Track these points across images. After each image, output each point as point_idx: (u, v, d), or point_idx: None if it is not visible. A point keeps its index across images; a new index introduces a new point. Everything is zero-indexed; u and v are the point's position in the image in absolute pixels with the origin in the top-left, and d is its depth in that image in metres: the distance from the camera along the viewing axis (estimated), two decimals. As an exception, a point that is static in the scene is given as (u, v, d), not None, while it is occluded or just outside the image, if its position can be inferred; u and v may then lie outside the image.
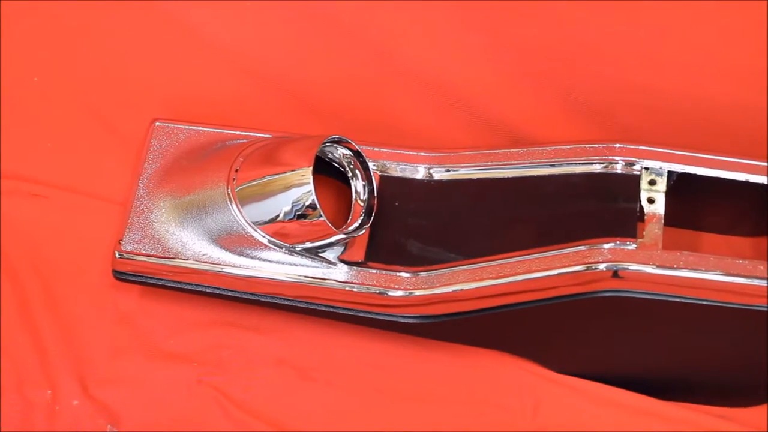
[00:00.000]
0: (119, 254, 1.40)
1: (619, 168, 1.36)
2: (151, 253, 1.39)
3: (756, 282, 1.28)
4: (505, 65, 1.49)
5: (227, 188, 1.36)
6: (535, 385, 1.42)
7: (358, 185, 1.40)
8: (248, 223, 1.36)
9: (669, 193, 1.36)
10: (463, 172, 1.41)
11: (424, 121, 1.53)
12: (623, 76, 1.48)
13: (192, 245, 1.38)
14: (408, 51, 1.49)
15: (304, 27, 1.49)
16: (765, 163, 1.36)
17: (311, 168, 1.33)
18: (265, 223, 1.35)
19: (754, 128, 1.48)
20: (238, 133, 1.46)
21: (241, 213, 1.35)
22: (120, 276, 1.42)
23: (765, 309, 1.30)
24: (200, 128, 1.48)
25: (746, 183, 1.36)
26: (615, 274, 1.30)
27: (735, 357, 1.39)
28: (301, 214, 1.33)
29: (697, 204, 1.43)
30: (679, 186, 1.37)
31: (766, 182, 1.36)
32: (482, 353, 1.44)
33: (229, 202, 1.36)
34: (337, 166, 1.41)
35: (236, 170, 1.37)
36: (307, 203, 1.33)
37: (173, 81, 1.56)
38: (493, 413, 1.41)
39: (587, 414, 1.41)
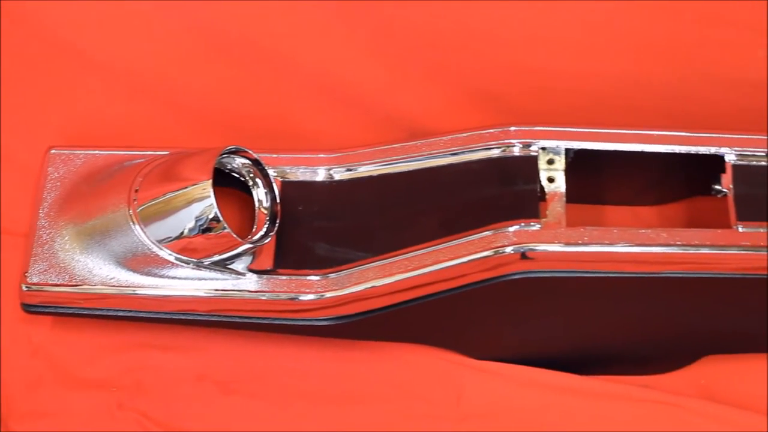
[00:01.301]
0: (26, 287, 1.38)
1: (516, 151, 1.37)
2: (59, 283, 1.37)
3: (660, 249, 1.29)
4: (397, 59, 1.49)
5: (129, 210, 1.35)
6: (457, 374, 1.43)
7: (259, 193, 1.40)
8: (153, 243, 1.34)
9: (568, 171, 1.37)
10: (364, 170, 1.41)
11: (323, 123, 1.53)
12: (515, 60, 1.49)
13: (99, 270, 1.37)
14: (298, 54, 1.49)
15: (190, 40, 1.49)
16: (660, 132, 1.37)
17: (211, 181, 1.32)
18: (171, 240, 1.34)
19: (648, 100, 1.50)
20: (135, 153, 1.45)
21: (145, 233, 1.34)
22: (29, 309, 1.40)
23: (672, 275, 1.31)
24: (97, 152, 1.46)
25: (645, 153, 1.37)
26: (522, 255, 1.31)
27: (649, 325, 1.40)
28: (206, 228, 1.33)
29: (598, 178, 1.44)
30: (578, 163, 1.38)
31: (664, 151, 1.37)
32: (401, 348, 1.44)
33: (131, 223, 1.35)
34: (237, 176, 1.41)
35: (136, 190, 1.36)
36: (210, 216, 1.32)
37: (67, 107, 1.54)
38: (417, 406, 1.41)
39: (510, 397, 1.42)
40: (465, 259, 1.31)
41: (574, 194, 1.38)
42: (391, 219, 1.38)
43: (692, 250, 1.30)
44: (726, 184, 1.34)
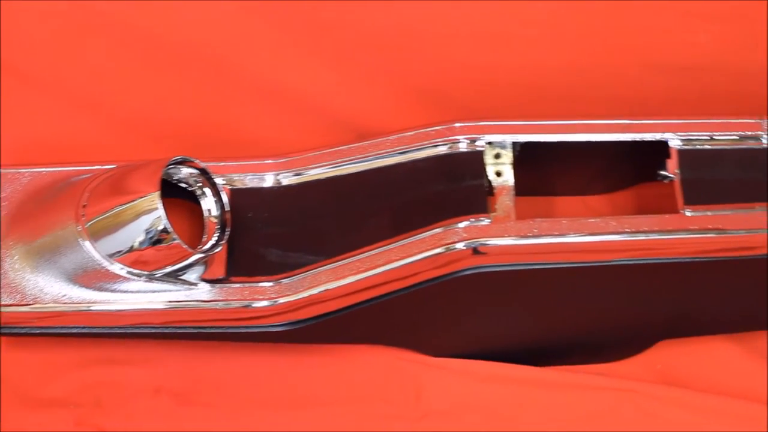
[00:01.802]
0: (-23, 309, 1.37)
1: (463, 147, 1.38)
2: (10, 303, 1.36)
3: (609, 238, 1.30)
4: (341, 61, 1.50)
5: (77, 226, 1.34)
6: (415, 372, 1.43)
7: (208, 203, 1.39)
8: (104, 257, 1.34)
9: (516, 164, 1.37)
10: (312, 173, 1.41)
11: (269, 129, 1.53)
12: (459, 56, 1.49)
13: (50, 288, 1.36)
14: (240, 60, 1.49)
15: (130, 52, 1.48)
16: (605, 121, 1.38)
17: (158, 192, 1.31)
18: (121, 254, 1.33)
19: (591, 89, 1.51)
20: (81, 168, 1.44)
21: (94, 248, 1.33)
22: (-19, 331, 1.39)
23: (623, 263, 1.32)
24: (43, 169, 1.45)
25: (591, 143, 1.38)
26: (474, 251, 1.31)
27: (603, 313, 1.41)
28: (156, 240, 1.32)
29: (546, 170, 1.45)
30: (525, 155, 1.38)
31: (610, 140, 1.37)
32: (358, 349, 1.44)
33: (80, 239, 1.34)
34: (185, 186, 1.40)
35: (84, 206, 1.35)
36: (160, 228, 1.31)
37: (9, 126, 1.53)
38: (376, 407, 1.41)
39: (469, 392, 1.42)
40: (417, 258, 1.32)
41: (523, 187, 1.39)
42: (342, 221, 1.38)
43: (641, 237, 1.30)
44: (671, 169, 1.35)
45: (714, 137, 1.36)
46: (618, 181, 1.49)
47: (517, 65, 1.50)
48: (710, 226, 1.31)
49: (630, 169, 1.46)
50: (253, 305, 1.34)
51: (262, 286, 1.35)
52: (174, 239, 1.31)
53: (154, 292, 1.35)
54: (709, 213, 1.31)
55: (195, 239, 1.40)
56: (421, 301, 1.36)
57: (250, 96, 1.51)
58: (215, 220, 1.39)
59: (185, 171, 1.39)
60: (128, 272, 1.34)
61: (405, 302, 1.35)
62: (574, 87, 1.49)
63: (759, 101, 1.45)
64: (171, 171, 1.38)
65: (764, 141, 1.36)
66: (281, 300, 1.34)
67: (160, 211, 1.30)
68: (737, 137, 1.36)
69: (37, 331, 1.38)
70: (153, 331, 1.38)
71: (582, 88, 1.49)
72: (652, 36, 1.45)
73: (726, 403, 1.42)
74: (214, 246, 1.37)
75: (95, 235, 1.33)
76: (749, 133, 1.36)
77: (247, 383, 1.43)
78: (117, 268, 1.34)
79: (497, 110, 1.46)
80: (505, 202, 1.34)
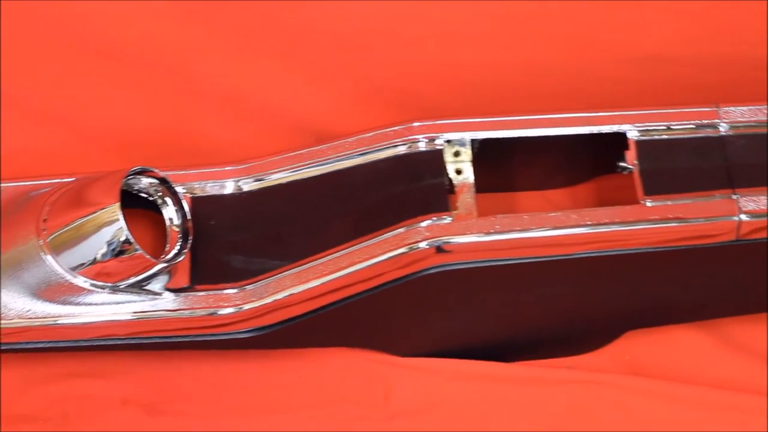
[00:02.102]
0: (-59, 327, 1.36)
1: (422, 146, 1.38)
2: (-26, 321, 1.35)
3: (571, 231, 1.30)
4: (298, 64, 1.49)
5: (39, 240, 1.33)
6: (383, 373, 1.43)
7: (169, 212, 1.39)
8: (67, 271, 1.33)
9: (476, 161, 1.37)
10: (273, 178, 1.41)
11: (228, 135, 1.53)
12: (417, 56, 1.49)
13: (14, 304, 1.35)
14: (196, 67, 1.48)
15: (86, 64, 1.47)
16: (562, 115, 1.38)
17: (119, 203, 1.31)
18: (84, 267, 1.33)
19: (552, 84, 1.52)
20: (40, 182, 1.43)
21: (57, 262, 1.33)
22: (-54, 349, 1.38)
23: (585, 255, 1.33)
24: (1, 185, 1.44)
25: (549, 137, 1.38)
26: (437, 249, 1.31)
27: (569, 306, 1.42)
28: (118, 251, 1.31)
29: (506, 166, 1.45)
30: (485, 152, 1.39)
31: (568, 133, 1.38)
32: (326, 353, 1.44)
33: (42, 254, 1.33)
34: (146, 196, 1.40)
35: (44, 220, 1.34)
36: (122, 239, 1.31)
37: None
38: (346, 409, 1.41)
39: (438, 391, 1.42)
40: (380, 258, 1.32)
41: (484, 184, 1.39)
42: (305, 225, 1.38)
43: (603, 229, 1.31)
44: (630, 160, 1.35)
45: (671, 127, 1.36)
46: (578, 174, 1.50)
47: (477, 63, 1.50)
48: (671, 216, 1.31)
49: (590, 161, 1.47)
50: (219, 313, 1.34)
51: (226, 294, 1.34)
52: (136, 250, 1.31)
53: (119, 303, 1.34)
54: (669, 203, 1.32)
55: (158, 249, 1.40)
56: (387, 302, 1.36)
57: (208, 103, 1.50)
58: (177, 229, 1.38)
59: (145, 181, 1.38)
60: (92, 285, 1.33)
61: (371, 303, 1.35)
62: (535, 83, 1.50)
63: (718, 91, 1.45)
64: (131, 181, 1.38)
65: (721, 129, 1.36)
66: (246, 306, 1.34)
67: (121, 223, 1.30)
68: (694, 126, 1.37)
69: (3, 347, 1.37)
70: (119, 342, 1.37)
71: (545, 84, 1.50)
72: (609, 30, 1.46)
73: (694, 391, 1.42)
74: (177, 255, 1.36)
75: (57, 249, 1.33)
76: (705, 121, 1.37)
77: (215, 391, 1.43)
78: (80, 281, 1.33)
79: (459, 108, 1.46)
80: (466, 199, 1.34)
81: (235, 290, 1.34)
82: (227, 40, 1.47)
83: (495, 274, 1.34)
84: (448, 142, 1.37)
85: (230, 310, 1.34)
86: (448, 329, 1.43)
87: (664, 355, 1.46)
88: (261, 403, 1.42)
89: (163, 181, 1.39)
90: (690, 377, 1.45)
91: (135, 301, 1.35)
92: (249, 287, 1.34)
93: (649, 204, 1.32)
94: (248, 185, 1.41)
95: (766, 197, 1.32)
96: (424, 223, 1.32)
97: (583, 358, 1.47)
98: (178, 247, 1.37)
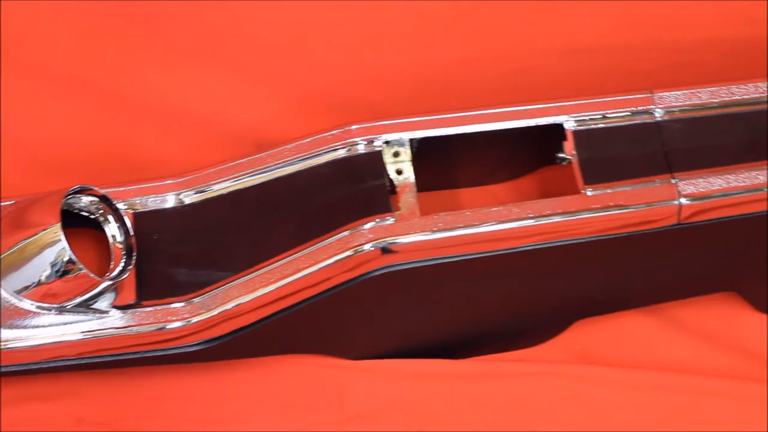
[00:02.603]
0: None
1: (361, 148, 1.38)
2: None
3: (513, 225, 1.31)
4: (233, 74, 1.49)
5: (-20, 265, 1.33)
6: (336, 378, 1.43)
7: (111, 229, 1.38)
8: (11, 295, 1.32)
9: (416, 161, 1.38)
10: (214, 189, 1.40)
11: (168, 148, 1.52)
12: (350, 58, 1.50)
13: (-38, 331, 1.34)
14: (129, 81, 1.48)
15: (17, 80, 1.46)
16: (499, 110, 1.39)
17: (60, 224, 1.30)
18: (29, 289, 1.32)
19: (489, 79, 1.53)
20: (-20, 207, 1.42)
21: (1, 287, 1.32)
22: None
23: (530, 248, 1.33)
24: (-59, 212, 1.43)
25: (488, 132, 1.39)
26: (382, 250, 1.31)
27: (518, 299, 1.42)
28: (62, 272, 1.31)
29: (447, 163, 1.46)
30: (424, 151, 1.39)
31: (506, 127, 1.38)
32: (278, 360, 1.43)
33: (-14, 279, 1.32)
34: (87, 214, 1.39)
35: (-14, 245, 1.34)
36: (65, 259, 1.30)
37: None
38: (301, 416, 1.41)
39: (392, 392, 1.42)
40: (326, 263, 1.32)
41: (426, 182, 1.40)
42: (249, 234, 1.37)
43: (545, 221, 1.32)
44: (569, 150, 1.36)
45: (607, 115, 1.37)
46: (519, 167, 1.51)
47: (409, 62, 1.51)
48: (612, 204, 1.32)
49: (530, 154, 1.47)
50: (167, 327, 1.33)
51: (174, 307, 1.34)
52: (80, 269, 1.30)
53: (67, 324, 1.34)
54: (609, 190, 1.33)
55: (102, 267, 1.39)
56: (336, 306, 1.36)
57: (145, 117, 1.50)
58: (121, 246, 1.38)
59: (85, 200, 1.38)
60: (38, 307, 1.32)
61: (319, 308, 1.35)
62: (470, 79, 1.50)
63: (652, 77, 1.46)
64: (71, 201, 1.37)
65: (656, 114, 1.37)
66: (194, 319, 1.33)
67: (64, 243, 1.29)
68: (629, 113, 1.37)
69: (-46, 375, 1.36)
70: (70, 363, 1.36)
71: (478, 79, 1.50)
72: (541, 22, 1.47)
73: (646, 376, 1.43)
74: (121, 272, 1.36)
75: (1, 273, 1.31)
76: (640, 108, 1.38)
77: (170, 406, 1.42)
78: (27, 304, 1.32)
79: (396, 109, 1.46)
80: (408, 199, 1.35)
81: (182, 304, 1.34)
82: (160, 53, 1.47)
83: (441, 272, 1.34)
84: (387, 143, 1.37)
85: (178, 324, 1.33)
86: (399, 330, 1.43)
87: (614, 342, 1.47)
88: (215, 415, 1.42)
89: (104, 199, 1.38)
90: (641, 362, 1.46)
91: (83, 321, 1.34)
92: (196, 300, 1.34)
93: (589, 193, 1.33)
94: (190, 198, 1.40)
95: (704, 180, 1.33)
96: (367, 225, 1.32)
97: (535, 350, 1.47)
98: (122, 264, 1.37)
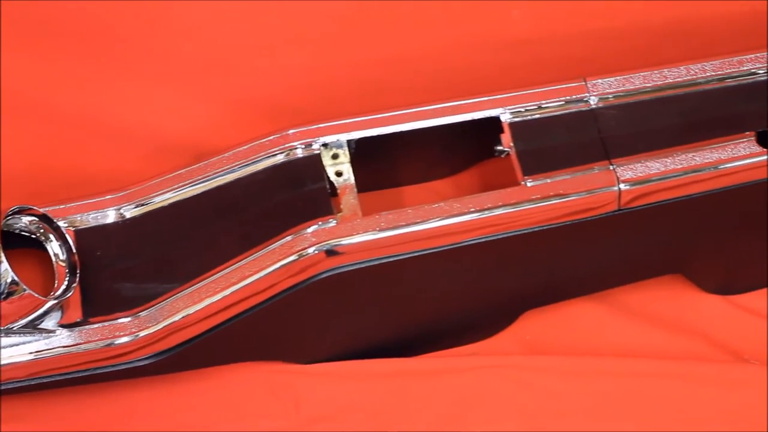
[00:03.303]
0: None
1: (299, 152, 1.38)
2: None
3: (455, 220, 1.31)
4: (167, 85, 1.49)
5: (-77, 292, 1.31)
6: (290, 383, 1.42)
7: (54, 247, 1.37)
8: (-45, 319, 1.31)
9: (355, 162, 1.38)
10: (155, 202, 1.40)
11: (107, 163, 1.51)
12: (283, 63, 1.50)
13: None
14: (64, 98, 1.47)
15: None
16: (435, 106, 1.39)
17: (0, 245, 1.29)
18: (-26, 313, 1.31)
19: (423, 77, 1.53)
20: None
21: (-57, 312, 1.31)
22: None
23: (474, 242, 1.34)
24: None
25: (425, 129, 1.39)
26: (326, 253, 1.31)
27: (466, 293, 1.42)
28: (6, 293, 1.30)
29: (387, 162, 1.46)
30: (363, 151, 1.39)
31: (443, 123, 1.39)
32: (230, 369, 1.43)
33: (-72, 305, 1.31)
34: (28, 234, 1.38)
35: (-73, 271, 1.32)
36: (8, 281, 1.29)
37: None
38: (258, 424, 1.41)
39: (347, 393, 1.42)
40: (271, 269, 1.32)
41: (367, 183, 1.40)
42: (192, 244, 1.37)
43: (487, 214, 1.32)
44: (506, 143, 1.37)
45: (542, 106, 1.38)
46: (460, 162, 1.51)
47: (347, 63, 1.51)
48: (552, 193, 1.33)
49: (469, 148, 1.48)
50: (116, 342, 1.33)
51: (121, 323, 1.33)
52: (24, 290, 1.29)
53: (14, 345, 1.33)
54: (548, 180, 1.34)
55: (47, 286, 1.38)
56: (285, 311, 1.36)
57: (82, 133, 1.49)
58: (64, 264, 1.37)
59: (25, 219, 1.37)
60: (-17, 330, 1.32)
61: (269, 315, 1.35)
62: (405, 77, 1.51)
63: (584, 65, 1.47)
64: (11, 222, 1.36)
65: (591, 102, 1.38)
66: (142, 333, 1.33)
67: (5, 264, 1.28)
68: (564, 102, 1.38)
69: None
70: (20, 385, 1.35)
71: (414, 77, 1.51)
72: (469, 18, 1.47)
73: (596, 362, 1.44)
74: (66, 290, 1.35)
75: (-57, 299, 1.31)
76: (575, 96, 1.38)
77: (124, 421, 1.41)
78: (-29, 328, 1.31)
79: (336, 110, 1.46)
80: (349, 200, 1.35)
81: (129, 318, 1.33)
82: (95, 68, 1.46)
83: (388, 271, 1.34)
84: (325, 145, 1.37)
85: (126, 338, 1.33)
86: (350, 331, 1.43)
87: (564, 330, 1.48)
88: (170, 428, 1.41)
89: (44, 218, 1.37)
90: (591, 349, 1.47)
91: (30, 342, 1.33)
92: (143, 313, 1.33)
93: (529, 184, 1.34)
94: (131, 211, 1.40)
95: (641, 164, 1.34)
96: (310, 229, 1.32)
97: (486, 343, 1.48)
98: (66, 282, 1.36)
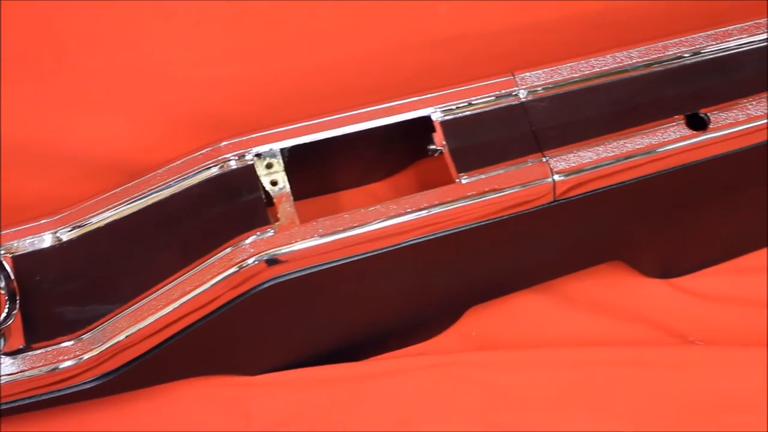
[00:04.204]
0: None
1: (233, 164, 1.37)
2: None
3: (392, 221, 1.31)
4: (98, 105, 1.48)
5: None
6: (239, 395, 1.42)
7: (-9, 275, 1.36)
8: None
9: (290, 170, 1.38)
10: (92, 223, 1.39)
11: (40, 187, 1.50)
12: (209, 76, 1.49)
13: None
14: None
15: None
16: (365, 109, 1.39)
17: (-66, 276, 1.28)
18: None
19: (350, 81, 1.54)
20: None
21: None
22: None
23: (414, 242, 1.34)
24: None
25: (357, 133, 1.39)
26: (267, 263, 1.31)
27: (410, 294, 1.43)
28: (-54, 325, 1.29)
29: (322, 168, 1.46)
30: (297, 159, 1.39)
31: (374, 125, 1.39)
32: (178, 386, 1.42)
33: None
34: (-37, 264, 1.37)
35: None
36: (-53, 312, 1.28)
37: None
38: (208, 438, 1.41)
39: (296, 402, 1.42)
40: (212, 283, 1.31)
41: (304, 190, 1.40)
42: (132, 263, 1.36)
43: (424, 213, 1.32)
44: (439, 141, 1.37)
45: (472, 102, 1.38)
46: (395, 163, 1.52)
47: (277, 72, 1.51)
48: (487, 189, 1.33)
49: (403, 149, 1.48)
50: (60, 367, 1.32)
51: (65, 347, 1.33)
52: (-38, 320, 1.28)
53: (-44, 377, 1.32)
54: (483, 176, 1.34)
55: (-12, 315, 1.37)
56: (229, 324, 1.35)
57: (12, 157, 1.48)
58: (3, 292, 1.36)
59: (-41, 249, 1.36)
60: (-76, 362, 1.30)
61: (213, 328, 1.35)
62: (335, 83, 1.51)
63: (512, 59, 1.48)
64: (-55, 252, 1.35)
65: (521, 95, 1.39)
66: (86, 356, 1.32)
67: (-57, 296, 1.27)
68: (494, 97, 1.39)
69: None
70: (-35, 416, 1.35)
71: (342, 82, 1.51)
72: (394, 18, 1.48)
73: (544, 354, 1.45)
74: (6, 318, 1.34)
75: None
76: (504, 91, 1.39)
77: (75, 445, 1.41)
78: None
79: (268, 119, 1.46)
80: (286, 209, 1.35)
81: (72, 342, 1.32)
82: (22, 91, 1.45)
83: (330, 277, 1.34)
84: (259, 155, 1.37)
85: (71, 362, 1.32)
86: (296, 339, 1.43)
87: (509, 324, 1.49)
88: (122, 449, 1.41)
89: (-22, 246, 1.36)
90: (537, 341, 1.47)
91: (-27, 372, 1.32)
92: (86, 336, 1.33)
93: (464, 181, 1.34)
94: (67, 234, 1.39)
95: (574, 154, 1.35)
96: (248, 240, 1.32)
97: (433, 342, 1.48)
98: (6, 310, 1.35)
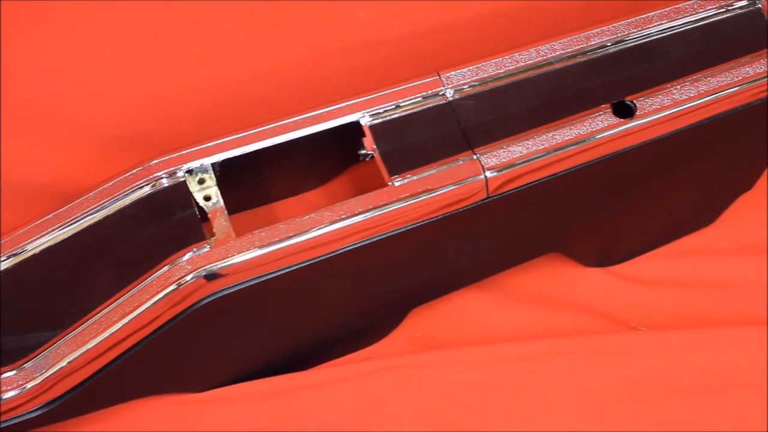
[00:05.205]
0: None
1: (165, 182, 1.37)
2: None
3: (328, 229, 1.32)
4: (24, 131, 1.47)
5: None
6: (187, 413, 1.42)
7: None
8: None
9: (222, 184, 1.37)
10: (27, 250, 1.38)
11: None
12: (135, 95, 1.49)
13: None
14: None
15: None
16: (293, 118, 1.39)
17: None
18: None
19: (280, 90, 1.53)
20: None
21: None
22: None
23: (351, 247, 1.34)
24: None
25: (287, 142, 1.39)
26: (204, 278, 1.31)
27: (352, 299, 1.43)
28: None
29: (255, 180, 1.46)
30: (229, 173, 1.39)
31: (304, 134, 1.39)
32: (126, 408, 1.42)
33: None
34: None
35: None
36: None
37: None
38: (159, 458, 1.40)
39: (244, 415, 1.42)
40: (151, 302, 1.31)
41: (239, 203, 1.40)
42: (71, 288, 1.36)
43: (359, 218, 1.33)
44: (369, 146, 1.37)
45: (400, 104, 1.39)
46: (328, 170, 1.52)
47: (203, 87, 1.51)
48: (420, 190, 1.34)
49: (336, 156, 1.49)
50: (4, 398, 1.31)
51: (6, 377, 1.32)
52: None
53: None
54: (415, 177, 1.34)
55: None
56: (172, 341, 1.35)
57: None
58: (-59, 327, 1.35)
59: None
60: None
61: (157, 347, 1.35)
62: (259, 95, 1.51)
63: (436, 59, 1.48)
64: None
65: (447, 95, 1.40)
66: (29, 385, 1.31)
67: None
68: (421, 98, 1.39)
69: None
70: None
71: (267, 94, 1.51)
72: (314, 26, 1.48)
73: (489, 350, 1.46)
74: (-59, 354, 1.33)
75: None
76: (431, 91, 1.40)
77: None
78: None
79: (196, 135, 1.46)
80: (221, 223, 1.34)
81: (14, 372, 1.32)
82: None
83: (270, 288, 1.34)
84: (190, 172, 1.37)
85: (14, 392, 1.31)
86: (241, 352, 1.43)
87: (452, 323, 1.49)
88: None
89: None
90: (482, 338, 1.48)
91: None
92: (28, 365, 1.32)
93: (397, 183, 1.34)
94: (2, 263, 1.37)
95: (504, 150, 1.36)
96: (185, 257, 1.31)
97: (379, 346, 1.48)
98: (-60, 345, 1.34)
